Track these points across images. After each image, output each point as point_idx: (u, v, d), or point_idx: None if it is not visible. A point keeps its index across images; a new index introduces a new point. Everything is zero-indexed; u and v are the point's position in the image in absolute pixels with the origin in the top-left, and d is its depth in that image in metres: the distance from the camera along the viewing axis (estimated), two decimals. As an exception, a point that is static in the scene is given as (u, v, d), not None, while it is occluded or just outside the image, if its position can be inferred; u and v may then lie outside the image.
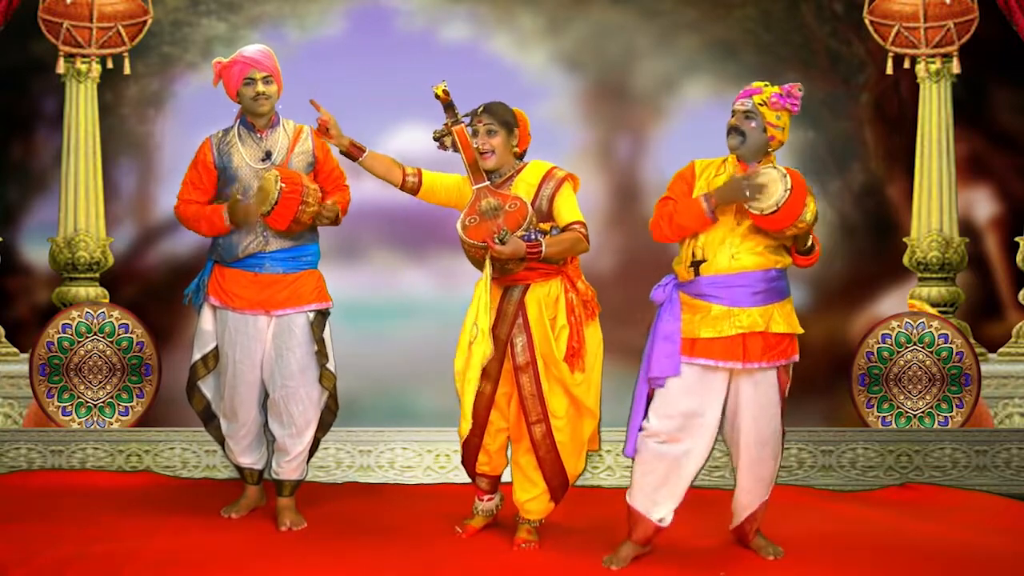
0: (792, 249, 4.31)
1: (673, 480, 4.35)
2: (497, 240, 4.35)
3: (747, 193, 4.13)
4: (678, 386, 4.31)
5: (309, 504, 5.05)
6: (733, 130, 4.29)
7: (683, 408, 4.31)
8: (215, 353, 4.89)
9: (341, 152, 4.67)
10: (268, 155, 4.79)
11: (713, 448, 4.41)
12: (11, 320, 6.17)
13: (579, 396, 4.58)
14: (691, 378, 4.31)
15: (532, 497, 4.63)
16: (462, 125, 4.60)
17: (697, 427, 4.32)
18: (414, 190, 4.69)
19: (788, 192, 4.09)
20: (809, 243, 4.29)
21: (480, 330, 4.45)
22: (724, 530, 4.68)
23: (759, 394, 4.32)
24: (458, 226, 4.49)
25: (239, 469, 5.05)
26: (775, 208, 4.09)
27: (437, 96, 4.62)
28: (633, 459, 4.40)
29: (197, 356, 4.92)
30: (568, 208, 4.56)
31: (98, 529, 4.71)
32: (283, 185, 4.60)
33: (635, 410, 4.40)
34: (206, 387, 4.97)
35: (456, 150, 4.60)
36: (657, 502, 4.36)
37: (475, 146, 4.57)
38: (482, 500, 4.83)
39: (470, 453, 4.69)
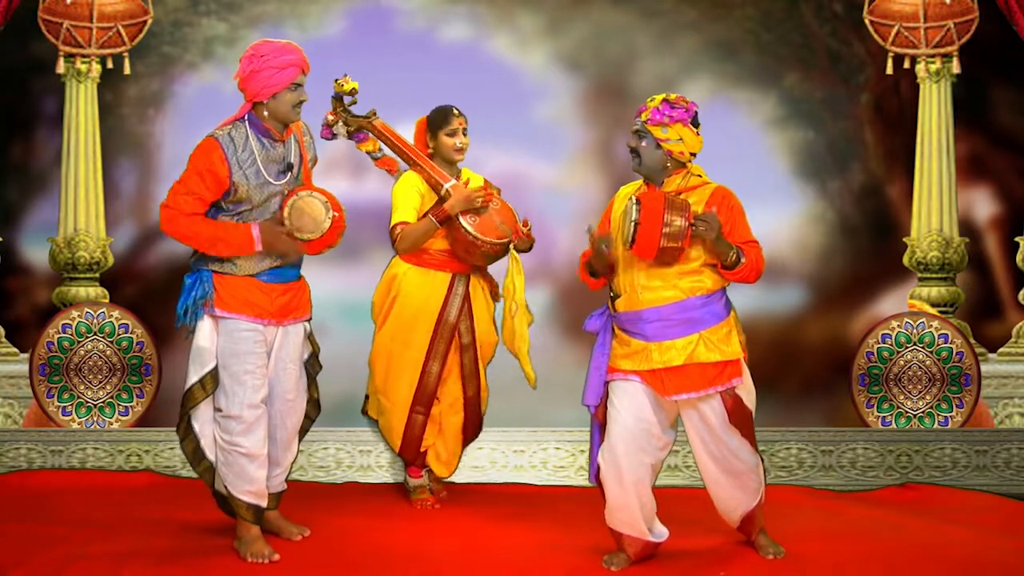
0: (719, 267, 4.17)
1: (644, 500, 4.27)
2: (526, 230, 4.90)
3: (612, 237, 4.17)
4: (625, 406, 4.22)
5: (309, 504, 5.05)
6: (630, 151, 4.25)
7: (632, 428, 4.21)
8: (213, 374, 4.33)
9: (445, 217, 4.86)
10: (289, 168, 4.33)
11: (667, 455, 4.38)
12: (11, 320, 6.17)
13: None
14: (634, 395, 4.23)
15: (452, 455, 5.18)
16: (379, 120, 4.96)
17: (649, 446, 4.24)
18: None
19: (634, 224, 4.01)
20: (731, 258, 4.11)
21: (519, 304, 4.94)
22: (724, 530, 4.69)
23: (703, 420, 4.24)
24: (472, 230, 4.81)
25: (256, 508, 4.40)
26: (630, 242, 4.05)
27: (349, 91, 4.89)
28: (598, 485, 4.35)
29: (194, 378, 4.34)
30: None
31: (98, 529, 4.71)
32: (335, 214, 4.28)
33: (592, 437, 4.37)
34: (197, 421, 4.40)
35: (350, 140, 4.99)
36: (644, 520, 4.30)
37: (457, 145, 4.92)
38: (419, 477, 5.21)
39: (416, 431, 5.07)
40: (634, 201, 4.06)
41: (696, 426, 4.26)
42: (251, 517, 4.39)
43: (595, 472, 4.33)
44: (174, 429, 5.68)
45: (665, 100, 4.18)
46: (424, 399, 5.07)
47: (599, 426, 4.32)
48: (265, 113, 4.27)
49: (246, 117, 4.30)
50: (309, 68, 4.31)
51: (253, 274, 4.32)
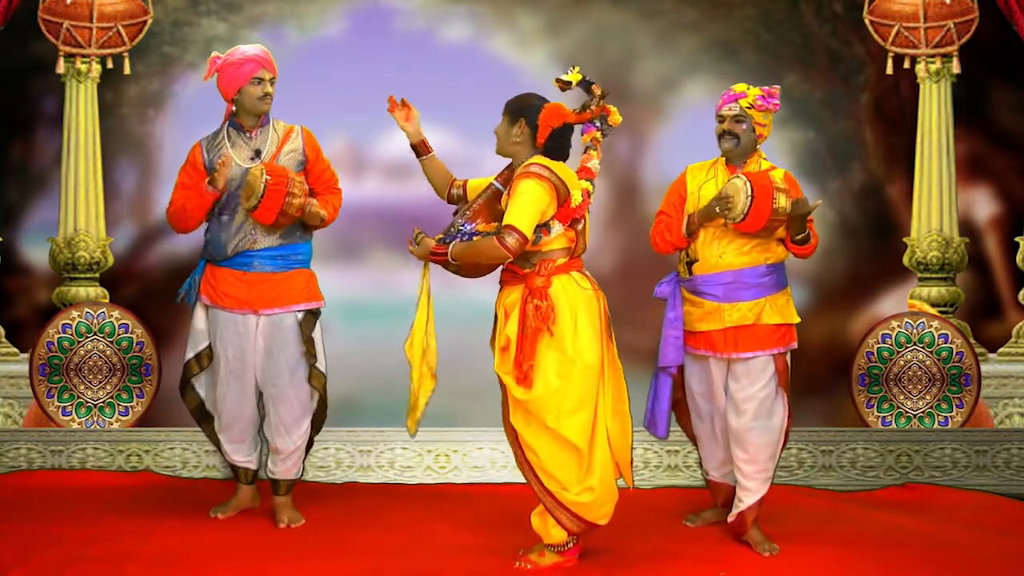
0: (787, 240, 4.57)
1: (722, 442, 4.73)
2: (414, 240, 4.40)
3: (717, 210, 4.48)
4: (690, 373, 4.76)
5: (309, 504, 5.06)
6: (727, 135, 4.62)
7: (698, 391, 4.76)
8: (208, 352, 4.93)
9: (411, 145, 4.64)
10: (257, 153, 4.81)
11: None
12: (11, 320, 6.17)
13: (537, 414, 4.20)
14: (696, 367, 4.73)
15: (535, 512, 4.33)
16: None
17: (716, 407, 4.71)
18: (458, 201, 4.60)
19: (750, 199, 4.39)
20: (803, 234, 4.52)
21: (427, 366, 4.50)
22: (723, 530, 4.69)
23: (752, 381, 4.57)
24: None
25: (233, 468, 5.09)
26: (743, 216, 4.41)
27: (575, 82, 4.56)
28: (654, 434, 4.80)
29: (190, 354, 4.97)
30: (513, 207, 4.14)
31: (98, 529, 4.72)
32: (268, 178, 4.63)
33: (656, 392, 4.74)
34: (199, 385, 5.02)
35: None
36: (721, 465, 4.81)
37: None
38: None
39: None
40: (745, 180, 4.42)
41: (743, 390, 4.58)
42: (244, 479, 5.04)
43: (649, 421, 4.76)
44: (174, 429, 5.78)
45: (765, 90, 4.58)
46: None
47: (669, 383, 4.72)
48: (237, 108, 4.82)
49: (227, 120, 4.88)
50: (273, 69, 4.80)
51: (219, 260, 4.79)
